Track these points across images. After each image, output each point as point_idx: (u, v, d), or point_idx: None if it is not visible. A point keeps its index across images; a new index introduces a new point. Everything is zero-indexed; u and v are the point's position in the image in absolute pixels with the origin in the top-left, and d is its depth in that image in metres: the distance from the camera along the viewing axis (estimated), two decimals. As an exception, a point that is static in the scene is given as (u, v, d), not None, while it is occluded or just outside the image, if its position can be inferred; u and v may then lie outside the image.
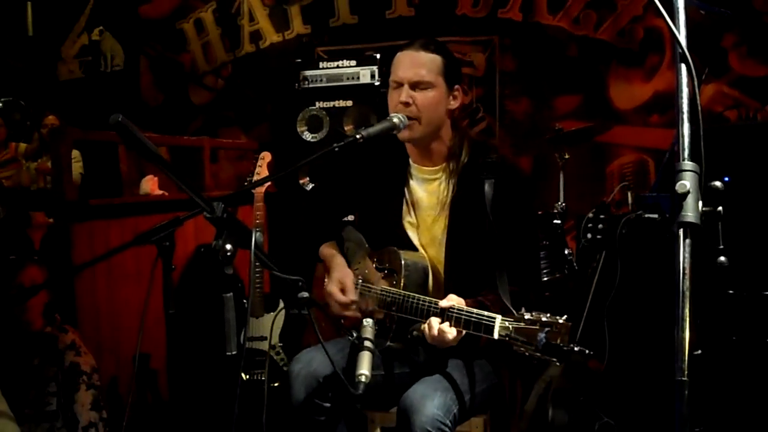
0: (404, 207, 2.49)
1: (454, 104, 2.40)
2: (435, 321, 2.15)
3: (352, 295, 2.41)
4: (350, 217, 2.79)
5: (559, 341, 1.88)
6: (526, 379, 3.17)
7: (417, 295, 2.26)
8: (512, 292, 2.22)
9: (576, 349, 1.89)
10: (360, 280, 2.48)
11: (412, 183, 2.50)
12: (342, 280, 2.44)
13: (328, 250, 2.59)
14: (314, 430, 2.39)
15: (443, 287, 2.40)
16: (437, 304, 2.17)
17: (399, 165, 2.52)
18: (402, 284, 2.32)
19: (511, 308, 2.05)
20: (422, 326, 2.20)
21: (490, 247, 2.29)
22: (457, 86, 2.40)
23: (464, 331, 2.11)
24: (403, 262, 2.34)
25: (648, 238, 2.85)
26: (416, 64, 2.33)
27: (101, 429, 2.84)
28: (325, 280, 2.58)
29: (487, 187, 2.34)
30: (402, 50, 2.38)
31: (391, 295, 2.33)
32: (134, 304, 3.49)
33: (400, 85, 2.34)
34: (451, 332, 2.11)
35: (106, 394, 3.13)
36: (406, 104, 2.32)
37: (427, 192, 2.47)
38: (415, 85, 2.32)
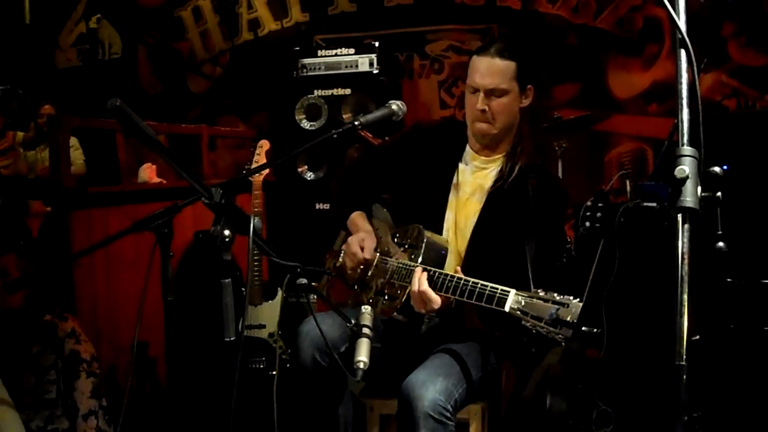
0: (449, 188, 2.59)
1: (525, 102, 2.54)
2: (424, 277, 2.26)
3: (368, 255, 2.51)
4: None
5: (569, 318, 1.91)
6: (522, 366, 3.18)
7: (433, 267, 2.30)
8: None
9: (584, 328, 1.92)
10: (378, 253, 2.54)
11: (464, 167, 2.61)
12: (365, 239, 2.54)
13: (359, 218, 2.68)
14: (320, 393, 2.48)
15: (462, 270, 2.42)
16: (453, 277, 2.23)
17: (455, 148, 2.64)
18: (420, 260, 2.36)
19: (531, 280, 2.13)
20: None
21: (524, 230, 2.37)
22: (529, 86, 2.52)
23: (455, 297, 2.19)
24: (426, 239, 2.40)
25: (646, 226, 2.86)
26: (492, 72, 2.44)
27: (101, 417, 2.84)
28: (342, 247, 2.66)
29: (530, 182, 2.47)
30: (478, 54, 2.49)
31: (407, 267, 2.37)
32: (133, 291, 3.50)
33: (476, 90, 2.46)
34: (436, 298, 2.24)
35: (105, 382, 3.14)
36: (483, 111, 2.46)
37: (473, 177, 2.58)
38: (491, 93, 2.45)
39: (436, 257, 2.41)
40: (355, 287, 2.59)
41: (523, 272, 2.26)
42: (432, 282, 2.27)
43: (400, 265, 2.42)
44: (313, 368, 2.43)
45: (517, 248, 2.33)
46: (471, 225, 2.52)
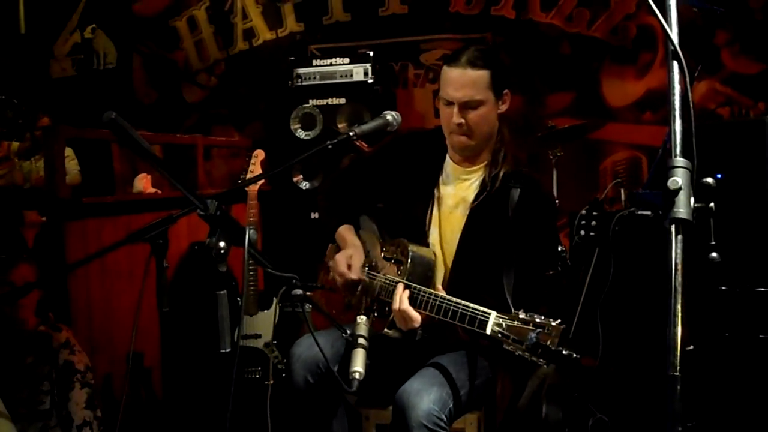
0: (432, 202, 2.54)
1: (503, 108, 2.47)
2: (405, 296, 2.24)
3: (354, 276, 2.46)
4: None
5: (548, 343, 1.90)
6: (517, 375, 3.18)
7: (419, 286, 2.28)
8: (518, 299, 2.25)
9: (564, 352, 1.90)
10: (366, 267, 2.51)
11: (445, 180, 2.55)
12: (353, 257, 2.49)
13: (347, 232, 2.63)
14: (310, 409, 2.44)
15: (448, 284, 2.43)
16: (437, 297, 2.21)
17: (435, 160, 2.57)
18: (406, 276, 2.34)
19: (511, 306, 2.08)
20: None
21: (503, 250, 2.33)
22: (505, 91, 2.45)
23: (437, 317, 2.17)
24: (410, 254, 2.37)
25: (641, 234, 2.86)
26: (465, 84, 2.36)
27: (95, 427, 2.84)
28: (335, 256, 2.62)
29: (512, 194, 2.40)
30: (449, 65, 2.40)
31: (393, 284, 2.35)
32: (128, 302, 3.49)
33: (450, 102, 2.40)
34: (416, 316, 2.23)
35: (100, 392, 3.13)
36: (459, 125, 2.39)
37: (457, 189, 2.52)
38: (466, 105, 2.37)
39: (422, 272, 2.38)
40: (345, 301, 2.57)
41: (511, 288, 2.26)
42: (414, 300, 2.26)
43: (387, 282, 2.40)
44: (306, 390, 2.41)
45: (508, 254, 2.32)
46: (456, 239, 2.46)
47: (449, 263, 2.48)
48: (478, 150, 2.49)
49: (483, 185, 2.47)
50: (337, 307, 2.60)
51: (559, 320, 1.92)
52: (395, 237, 2.51)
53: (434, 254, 2.47)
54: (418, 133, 2.56)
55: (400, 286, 2.27)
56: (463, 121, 2.38)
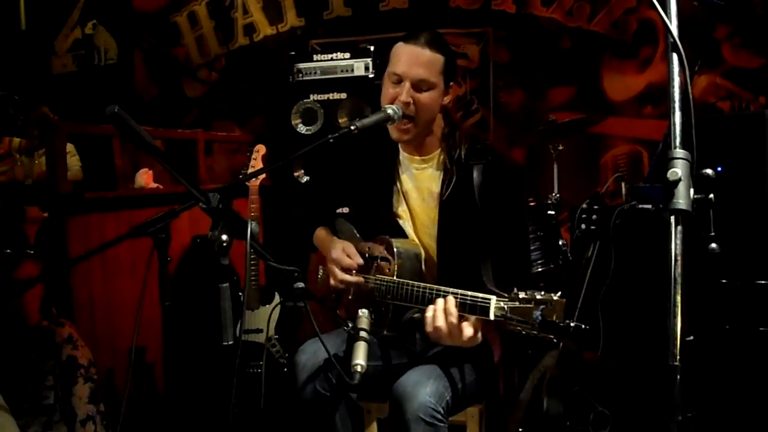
0: (395, 197, 2.49)
1: (447, 100, 2.39)
2: (454, 305, 2.08)
3: (358, 259, 2.41)
4: (345, 210, 2.79)
5: (555, 318, 1.86)
6: (523, 369, 3.19)
7: (412, 282, 2.26)
8: (501, 279, 2.22)
9: (572, 324, 1.88)
10: (354, 271, 2.49)
11: (403, 173, 2.50)
12: (346, 248, 2.43)
13: (323, 233, 2.59)
14: (316, 417, 2.41)
15: (437, 275, 2.41)
16: (432, 289, 2.17)
17: (389, 155, 2.51)
18: (396, 272, 2.32)
19: (496, 288, 2.06)
20: (424, 313, 2.16)
21: (478, 235, 2.30)
22: (451, 83, 2.39)
23: (480, 335, 2.06)
24: (395, 250, 2.34)
25: (641, 228, 2.87)
26: (420, 62, 2.28)
27: (99, 422, 2.84)
28: (319, 268, 2.60)
29: (475, 173, 2.34)
30: (405, 42, 2.32)
31: (385, 283, 2.33)
32: (130, 296, 3.49)
33: (399, 80, 2.30)
34: (466, 329, 2.05)
35: (103, 387, 3.14)
36: (407, 104, 2.29)
37: (418, 181, 2.46)
38: (418, 85, 2.29)
39: (411, 266, 2.35)
40: (337, 312, 2.55)
41: (503, 270, 2.24)
42: (409, 297, 2.23)
43: (379, 282, 2.36)
44: (313, 399, 2.37)
45: (482, 242, 2.28)
46: (433, 231, 2.41)
47: (434, 255, 2.42)
48: (419, 138, 2.40)
49: (446, 171, 2.39)
50: (327, 315, 2.58)
51: (559, 293, 1.88)
52: (372, 236, 2.47)
53: (419, 244, 2.43)
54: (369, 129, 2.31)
55: (446, 300, 2.11)
56: (411, 100, 2.28)
